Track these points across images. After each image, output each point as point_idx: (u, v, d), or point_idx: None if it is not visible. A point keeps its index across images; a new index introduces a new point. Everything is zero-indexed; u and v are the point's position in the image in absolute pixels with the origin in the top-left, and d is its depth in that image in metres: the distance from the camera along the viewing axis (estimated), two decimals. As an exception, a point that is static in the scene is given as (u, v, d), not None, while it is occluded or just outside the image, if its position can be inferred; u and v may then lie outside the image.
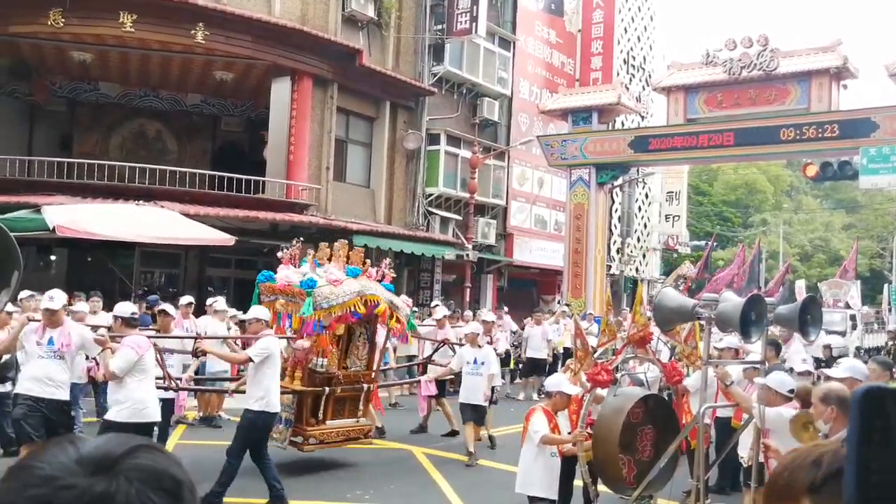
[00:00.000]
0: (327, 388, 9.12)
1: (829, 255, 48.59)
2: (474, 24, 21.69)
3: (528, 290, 27.59)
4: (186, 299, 12.46)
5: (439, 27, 22.29)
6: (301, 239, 10.37)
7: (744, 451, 6.43)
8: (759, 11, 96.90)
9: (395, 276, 10.33)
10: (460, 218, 22.96)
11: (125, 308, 7.37)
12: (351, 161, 21.02)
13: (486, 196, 24.02)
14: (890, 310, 34.71)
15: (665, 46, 34.67)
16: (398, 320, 9.56)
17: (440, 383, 12.10)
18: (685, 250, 37.91)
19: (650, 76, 31.25)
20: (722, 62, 18.28)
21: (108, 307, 12.74)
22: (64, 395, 7.22)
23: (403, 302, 9.94)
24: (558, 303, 21.88)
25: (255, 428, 7.77)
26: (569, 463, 6.44)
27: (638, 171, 26.42)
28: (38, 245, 16.92)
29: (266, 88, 19.28)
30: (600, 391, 6.19)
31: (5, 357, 8.62)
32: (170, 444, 10.44)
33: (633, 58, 31.94)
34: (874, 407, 0.70)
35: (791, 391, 5.34)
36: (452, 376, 11.74)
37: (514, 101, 25.69)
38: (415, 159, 21.96)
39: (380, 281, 9.57)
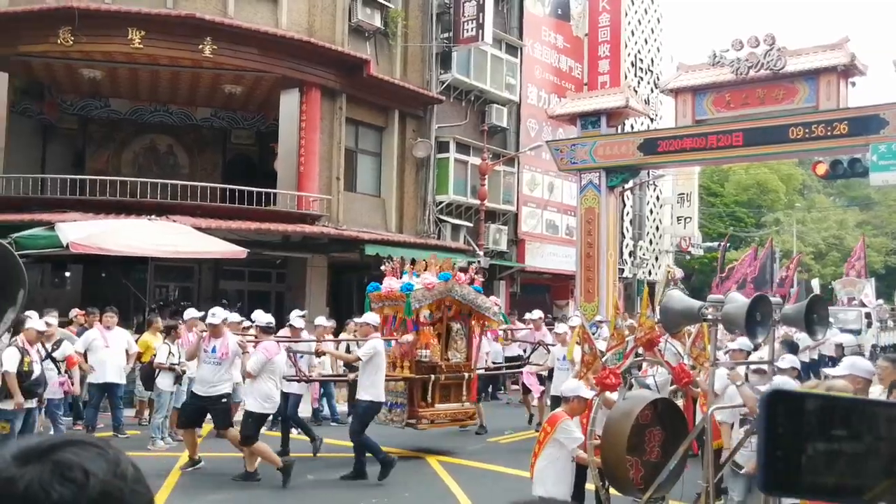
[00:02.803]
0: (432, 376, 10.64)
1: (844, 253, 48.19)
2: (481, 31, 21.76)
3: (541, 296, 27.56)
4: (190, 313, 12.70)
5: (446, 35, 22.37)
6: (394, 257, 12.14)
7: None
8: (765, 11, 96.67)
9: (483, 280, 12.15)
10: (471, 225, 23.00)
11: (262, 317, 9.69)
12: (361, 171, 21.10)
13: (497, 202, 24.04)
14: (906, 307, 34.43)
15: (672, 48, 34.63)
16: (483, 319, 11.36)
17: (541, 380, 13.52)
18: (698, 252, 37.77)
19: (658, 78, 31.22)
20: (729, 62, 18.21)
21: (121, 322, 12.91)
22: (223, 390, 9.28)
23: (492, 302, 11.66)
24: (566, 305, 21.87)
25: (367, 413, 9.40)
26: (581, 467, 6.46)
27: (648, 173, 26.38)
28: (53, 262, 17.07)
29: (275, 100, 19.41)
30: (610, 395, 6.21)
31: (35, 374, 9.06)
32: (185, 455, 10.53)
33: (641, 60, 31.92)
34: (778, 406, 0.84)
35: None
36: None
37: (523, 106, 25.73)
38: (424, 167, 22.02)
39: (471, 283, 11.28)
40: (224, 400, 9.36)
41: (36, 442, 0.98)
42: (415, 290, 10.41)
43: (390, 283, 10.90)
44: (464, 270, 11.86)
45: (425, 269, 11.01)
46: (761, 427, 0.84)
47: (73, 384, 10.65)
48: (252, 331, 12.50)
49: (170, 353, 11.25)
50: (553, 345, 13.35)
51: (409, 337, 10.39)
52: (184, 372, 11.36)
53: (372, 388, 9.32)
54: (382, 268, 11.47)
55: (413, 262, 11.46)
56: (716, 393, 7.09)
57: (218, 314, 9.35)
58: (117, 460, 0.99)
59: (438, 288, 10.61)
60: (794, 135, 17.15)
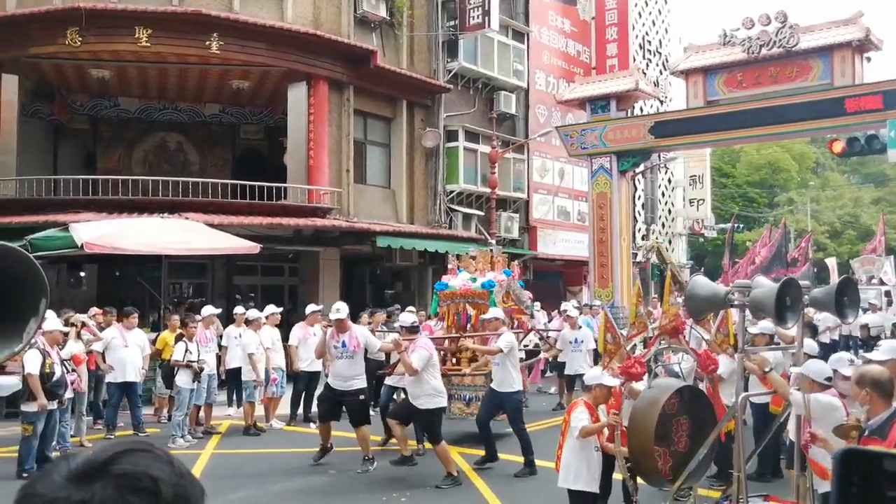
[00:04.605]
0: None
1: (860, 230, 47.79)
2: (487, 18, 21.58)
3: (554, 283, 27.46)
4: (207, 310, 12.64)
5: (452, 23, 22.20)
6: (458, 254, 12.86)
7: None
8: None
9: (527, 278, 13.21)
10: (482, 213, 22.89)
11: (407, 318, 9.88)
12: (370, 162, 21.02)
13: (508, 190, 23.91)
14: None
15: (681, 29, 34.32)
16: (520, 313, 11.90)
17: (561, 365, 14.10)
18: (711, 234, 37.52)
19: (667, 60, 30.95)
20: (740, 41, 17.97)
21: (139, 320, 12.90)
22: (360, 384, 9.32)
23: (527, 297, 12.34)
24: (579, 291, 21.78)
25: (521, 404, 9.68)
26: (608, 457, 6.38)
27: (660, 156, 26.18)
28: (68, 262, 17.11)
29: (283, 94, 19.34)
30: (635, 385, 6.12)
31: (57, 375, 9.27)
32: (206, 453, 10.55)
33: (649, 42, 31.65)
34: (851, 466, 0.85)
35: (828, 379, 5.25)
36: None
37: (531, 92, 25.55)
38: (434, 157, 21.92)
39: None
40: (362, 396, 9.41)
41: (86, 458, 0.95)
42: (495, 288, 10.98)
43: (464, 281, 11.22)
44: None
45: (477, 268, 11.54)
46: (835, 485, 0.85)
47: (81, 382, 10.63)
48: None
49: (186, 350, 11.24)
50: (558, 330, 14.25)
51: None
52: (202, 369, 11.35)
53: (515, 379, 9.57)
54: (450, 266, 12.06)
55: (458, 257, 12.12)
56: (722, 377, 7.00)
57: (342, 309, 9.42)
58: (170, 459, 0.98)
59: (505, 284, 11.29)
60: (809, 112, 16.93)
